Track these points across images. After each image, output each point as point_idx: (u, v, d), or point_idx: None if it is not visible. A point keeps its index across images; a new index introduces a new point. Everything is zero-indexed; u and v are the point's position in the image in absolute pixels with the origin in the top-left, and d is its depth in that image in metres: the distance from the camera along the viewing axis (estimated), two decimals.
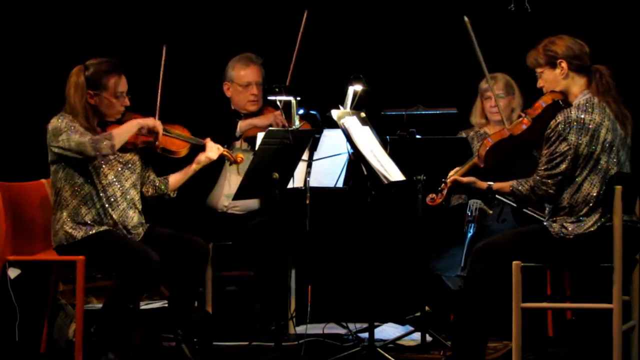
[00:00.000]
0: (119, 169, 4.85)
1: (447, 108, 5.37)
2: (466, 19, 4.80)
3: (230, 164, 5.25)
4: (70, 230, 4.74)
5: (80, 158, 4.67)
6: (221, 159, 5.10)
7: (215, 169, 5.48)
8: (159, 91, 4.87)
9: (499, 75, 5.54)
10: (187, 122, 5.11)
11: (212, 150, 5.01)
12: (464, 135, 5.60)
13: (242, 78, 5.64)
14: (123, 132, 4.73)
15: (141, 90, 4.91)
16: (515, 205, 5.16)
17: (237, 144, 5.58)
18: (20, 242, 4.84)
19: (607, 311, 4.31)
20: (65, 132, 4.66)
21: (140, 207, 4.94)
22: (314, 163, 5.13)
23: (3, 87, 6.06)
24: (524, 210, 5.07)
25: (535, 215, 4.99)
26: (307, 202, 5.03)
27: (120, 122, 4.85)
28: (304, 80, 5.57)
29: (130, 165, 4.90)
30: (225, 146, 5.15)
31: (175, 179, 5.02)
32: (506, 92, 5.54)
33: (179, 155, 4.98)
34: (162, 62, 4.87)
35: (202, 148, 5.01)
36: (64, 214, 4.76)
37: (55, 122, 4.72)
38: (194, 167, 5.01)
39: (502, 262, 4.37)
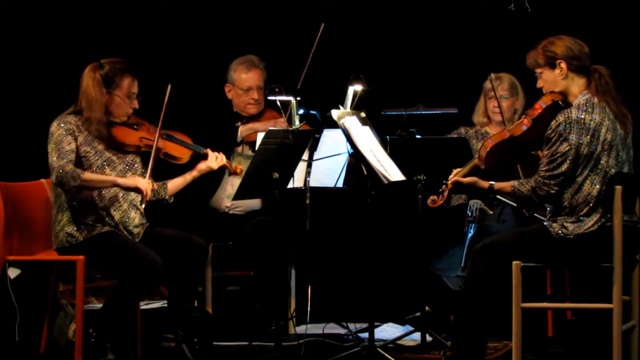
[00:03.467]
0: (121, 170, 4.85)
1: (447, 108, 5.38)
2: (492, 76, 4.85)
3: (230, 175, 5.26)
4: (71, 232, 4.73)
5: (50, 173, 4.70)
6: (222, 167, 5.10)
7: (217, 170, 5.48)
8: (165, 100, 4.85)
9: (504, 76, 5.54)
10: (189, 127, 5.10)
11: (213, 160, 5.00)
12: (462, 131, 5.60)
13: (244, 82, 5.64)
14: (94, 181, 4.69)
15: (147, 96, 4.91)
16: (515, 205, 5.16)
17: (239, 149, 5.59)
18: (20, 242, 4.83)
19: (607, 311, 4.31)
20: (52, 143, 4.68)
21: (141, 208, 4.93)
22: (314, 163, 5.13)
23: (3, 88, 6.06)
24: (534, 214, 5.05)
25: (539, 217, 4.98)
26: (307, 202, 5.04)
27: (126, 124, 4.85)
28: (304, 80, 5.56)
29: (132, 167, 4.90)
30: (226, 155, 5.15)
31: (174, 185, 5.01)
32: (510, 92, 5.54)
33: (181, 162, 4.98)
34: (165, 100, 4.86)
35: (203, 156, 5.01)
36: (65, 215, 4.75)
37: (53, 127, 4.72)
38: (194, 174, 5.00)
39: (502, 262, 4.37)
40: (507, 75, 5.56)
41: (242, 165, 5.31)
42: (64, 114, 4.77)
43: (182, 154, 4.97)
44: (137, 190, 4.74)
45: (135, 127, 4.89)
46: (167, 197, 5.00)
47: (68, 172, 4.62)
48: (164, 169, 4.96)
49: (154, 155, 4.83)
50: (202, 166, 5.01)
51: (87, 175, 4.67)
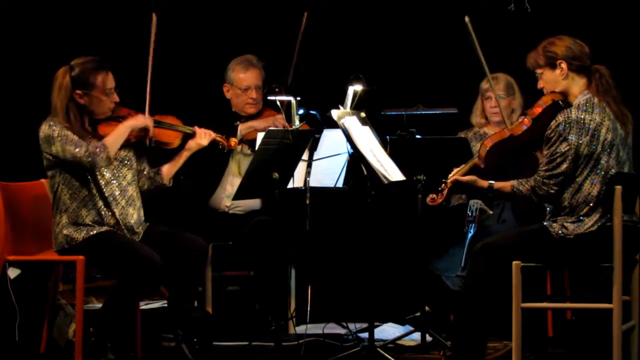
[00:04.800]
0: (116, 166, 4.84)
1: (447, 108, 5.38)
2: (467, 19, 4.79)
3: (224, 150, 5.20)
4: (70, 233, 4.73)
5: (76, 167, 4.69)
6: (222, 159, 5.09)
7: (217, 170, 5.48)
8: (148, 85, 4.85)
9: (500, 76, 5.53)
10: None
11: (202, 136, 4.99)
12: (462, 136, 5.60)
13: (242, 82, 5.64)
14: (116, 139, 4.73)
15: (132, 84, 4.90)
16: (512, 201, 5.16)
17: (238, 148, 5.58)
18: (20, 242, 4.83)
19: (607, 311, 4.31)
20: (59, 141, 4.66)
21: (139, 203, 4.93)
22: (314, 163, 5.13)
23: (3, 88, 6.05)
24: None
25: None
26: (307, 202, 5.04)
27: (112, 118, 4.84)
28: (304, 80, 5.57)
29: (126, 162, 4.89)
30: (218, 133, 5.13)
31: (167, 169, 4.99)
32: (507, 92, 5.54)
33: (173, 147, 4.97)
34: (153, 32, 4.83)
35: (192, 136, 5.00)
36: (64, 217, 4.75)
37: (46, 130, 4.70)
38: (184, 154, 4.97)
39: (502, 262, 4.37)
40: (503, 75, 5.56)
41: (242, 165, 5.30)
42: (49, 117, 4.74)
43: (173, 138, 4.95)
44: (146, 128, 4.80)
45: (120, 119, 4.87)
46: (164, 182, 4.98)
47: (94, 152, 4.64)
48: (157, 155, 4.95)
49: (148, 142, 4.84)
50: (192, 144, 4.98)
51: (108, 140, 4.71)
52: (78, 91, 4.73)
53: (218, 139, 5.02)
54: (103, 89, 4.76)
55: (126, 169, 4.88)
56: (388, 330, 5.55)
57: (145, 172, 4.98)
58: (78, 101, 4.73)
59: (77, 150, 4.64)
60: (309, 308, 5.13)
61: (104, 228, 4.77)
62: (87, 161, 4.64)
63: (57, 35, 6.10)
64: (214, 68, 5.86)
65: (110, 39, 5.87)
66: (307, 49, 5.61)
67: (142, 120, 4.82)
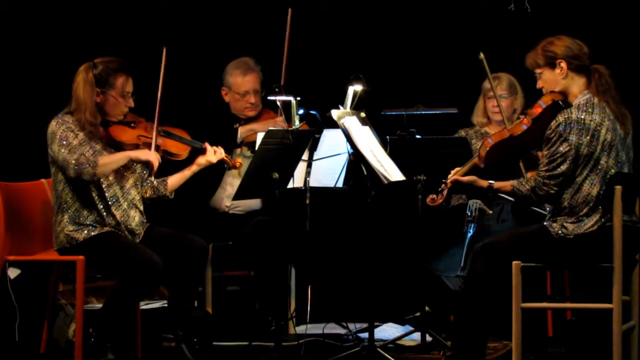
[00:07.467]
0: (120, 169, 4.84)
1: (447, 108, 5.38)
2: (482, 55, 4.82)
3: (229, 169, 5.25)
4: (71, 233, 4.73)
5: (63, 171, 4.70)
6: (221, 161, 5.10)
7: (217, 170, 5.48)
8: (159, 94, 4.86)
9: (502, 76, 5.54)
10: (188, 129, 5.11)
11: (212, 153, 5.01)
12: (463, 133, 5.61)
13: (240, 86, 5.64)
14: (111, 163, 4.72)
15: (141, 93, 4.90)
16: (513, 200, 5.16)
17: (238, 150, 5.58)
18: (20, 242, 4.83)
19: (607, 311, 4.31)
20: (58, 141, 4.67)
21: (141, 207, 4.93)
22: (314, 163, 5.13)
23: (3, 87, 6.06)
24: (533, 208, 5.06)
25: (538, 210, 4.98)
26: (307, 202, 5.04)
27: (123, 122, 4.85)
28: (303, 80, 5.56)
29: (130, 166, 4.89)
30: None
31: (173, 181, 5.01)
32: (509, 92, 5.54)
33: (180, 158, 4.98)
34: (163, 64, 4.86)
35: (202, 151, 5.01)
36: (65, 216, 4.75)
37: (53, 126, 4.71)
38: (193, 168, 5.00)
39: (502, 262, 4.37)
40: (506, 74, 5.56)
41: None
42: (60, 114, 4.77)
43: (181, 150, 4.97)
44: (148, 162, 4.79)
45: (132, 125, 4.89)
46: (167, 194, 5.00)
47: (83, 162, 4.63)
48: (163, 164, 4.96)
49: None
50: (202, 160, 5.01)
51: (102, 159, 4.69)
52: (97, 89, 4.75)
53: (226, 158, 5.04)
54: (121, 91, 4.78)
55: (130, 172, 4.89)
56: (388, 330, 5.55)
57: (149, 180, 4.98)
58: (95, 98, 4.75)
59: (68, 155, 4.65)
60: (309, 308, 5.13)
61: (105, 229, 4.77)
62: (73, 169, 4.64)
63: (56, 38, 6.10)
64: (212, 69, 5.85)
65: (119, 46, 5.86)
66: (307, 49, 5.60)
67: (145, 155, 4.80)
